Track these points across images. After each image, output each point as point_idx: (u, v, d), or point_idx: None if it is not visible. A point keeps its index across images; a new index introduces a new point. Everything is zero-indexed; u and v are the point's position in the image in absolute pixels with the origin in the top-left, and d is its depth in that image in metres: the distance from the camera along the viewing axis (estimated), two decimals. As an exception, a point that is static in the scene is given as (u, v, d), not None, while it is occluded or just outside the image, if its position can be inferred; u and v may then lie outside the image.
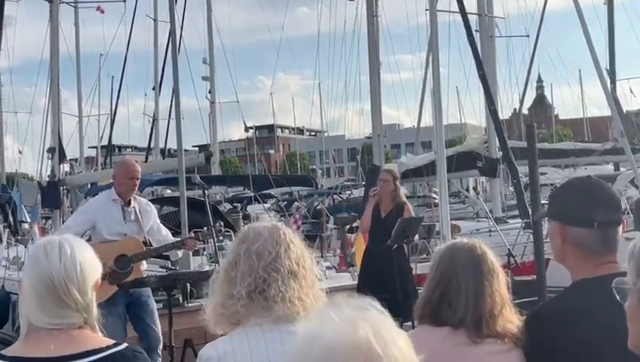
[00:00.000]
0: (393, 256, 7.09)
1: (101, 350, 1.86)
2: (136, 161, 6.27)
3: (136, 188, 5.62)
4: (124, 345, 1.93)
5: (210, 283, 2.14)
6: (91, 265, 1.90)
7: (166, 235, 5.71)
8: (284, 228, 2.12)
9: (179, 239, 5.96)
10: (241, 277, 2.00)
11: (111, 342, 1.91)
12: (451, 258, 2.16)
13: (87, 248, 1.94)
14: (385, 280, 6.87)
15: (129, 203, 5.51)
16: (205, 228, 5.96)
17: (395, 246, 7.15)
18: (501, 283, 2.14)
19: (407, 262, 7.37)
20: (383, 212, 7.45)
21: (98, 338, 1.90)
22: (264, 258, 2.01)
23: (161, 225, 5.81)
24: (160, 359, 5.40)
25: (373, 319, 1.19)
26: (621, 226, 2.05)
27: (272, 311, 1.97)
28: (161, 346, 5.40)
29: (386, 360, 1.12)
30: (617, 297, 1.62)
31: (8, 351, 1.87)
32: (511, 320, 2.11)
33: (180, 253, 6.04)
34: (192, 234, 5.85)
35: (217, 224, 6.92)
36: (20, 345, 1.86)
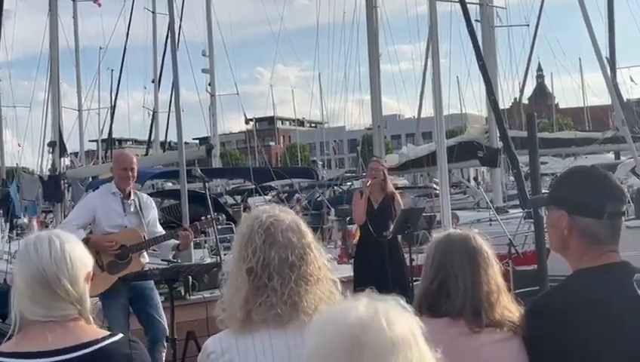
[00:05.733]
0: (387, 247, 7.08)
1: (97, 341, 1.87)
2: (137, 155, 6.27)
3: (133, 179, 5.61)
4: (120, 335, 1.93)
5: (225, 280, 2.06)
6: (81, 258, 1.91)
7: (159, 230, 5.72)
8: (302, 225, 2.06)
9: (176, 229, 5.94)
10: (272, 287, 1.95)
11: (106, 332, 1.92)
12: (446, 248, 2.17)
13: (77, 242, 1.95)
14: (381, 271, 6.87)
15: (129, 196, 5.53)
16: (203, 218, 5.93)
17: (390, 236, 7.11)
18: (496, 271, 2.16)
19: (401, 252, 7.36)
20: (374, 202, 7.33)
21: (93, 330, 1.90)
22: (296, 268, 1.97)
23: (157, 220, 5.82)
24: (165, 351, 5.42)
25: (378, 309, 1.19)
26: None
27: (291, 317, 1.95)
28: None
29: (372, 344, 1.13)
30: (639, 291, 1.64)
31: (4, 347, 1.87)
32: (508, 307, 2.12)
33: (171, 253, 6.02)
34: (186, 227, 5.80)
35: (220, 218, 6.86)
36: (16, 340, 1.86)
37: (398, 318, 1.17)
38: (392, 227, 7.18)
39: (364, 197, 7.33)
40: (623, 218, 2.02)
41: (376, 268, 6.92)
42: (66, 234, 1.97)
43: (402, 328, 1.16)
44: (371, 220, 7.26)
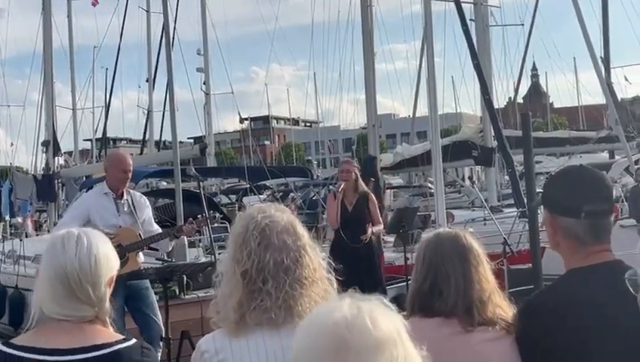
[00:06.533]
0: (362, 251, 7.01)
1: (110, 344, 1.86)
2: (131, 154, 6.25)
3: (129, 180, 5.59)
4: (133, 340, 1.92)
5: (219, 281, 2.04)
6: (107, 260, 1.89)
7: (156, 229, 5.70)
8: (298, 226, 2.05)
9: (174, 227, 5.91)
10: (266, 291, 1.94)
11: (120, 336, 1.91)
12: (437, 247, 2.17)
13: (106, 243, 1.92)
14: (355, 276, 6.83)
15: (121, 196, 5.51)
16: (200, 216, 5.91)
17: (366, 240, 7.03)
18: (487, 270, 2.16)
19: (376, 257, 7.29)
20: (348, 205, 7.17)
21: (108, 333, 1.89)
22: (291, 272, 1.97)
23: (152, 218, 5.80)
24: (161, 350, 5.41)
25: (362, 308, 1.19)
26: (614, 215, 2.05)
27: (285, 320, 1.94)
28: (161, 338, 5.41)
29: (355, 340, 1.13)
30: (630, 289, 1.63)
31: (18, 340, 1.87)
32: (500, 305, 2.12)
33: (171, 245, 5.99)
34: (190, 221, 5.78)
35: (217, 217, 6.82)
36: (31, 335, 1.86)
37: (382, 317, 1.18)
38: (369, 230, 7.11)
39: (337, 200, 7.17)
40: (610, 217, 2.01)
41: (349, 274, 6.85)
42: (97, 233, 1.94)
43: (387, 326, 1.16)
44: (346, 223, 7.11)
